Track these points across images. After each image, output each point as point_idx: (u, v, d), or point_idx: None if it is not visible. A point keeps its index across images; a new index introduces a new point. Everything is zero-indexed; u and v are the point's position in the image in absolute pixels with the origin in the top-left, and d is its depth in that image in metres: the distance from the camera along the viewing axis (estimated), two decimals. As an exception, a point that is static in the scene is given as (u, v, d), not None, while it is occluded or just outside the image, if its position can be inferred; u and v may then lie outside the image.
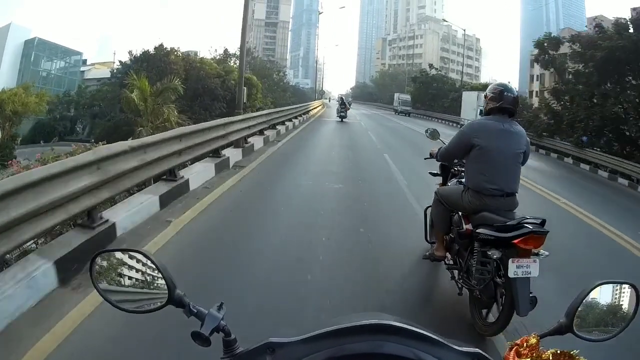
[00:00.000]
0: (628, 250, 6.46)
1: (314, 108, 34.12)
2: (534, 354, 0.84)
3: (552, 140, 23.60)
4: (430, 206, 4.14)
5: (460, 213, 3.60)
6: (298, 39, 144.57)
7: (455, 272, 3.63)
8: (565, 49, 24.62)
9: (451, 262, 3.74)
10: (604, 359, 1.75)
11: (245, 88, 11.54)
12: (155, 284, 0.98)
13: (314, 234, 5.13)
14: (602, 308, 1.02)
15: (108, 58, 66.00)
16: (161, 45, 32.63)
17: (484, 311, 3.27)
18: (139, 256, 1.00)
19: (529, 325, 2.93)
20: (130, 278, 1.01)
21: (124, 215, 4.90)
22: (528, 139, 3.45)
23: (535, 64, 49.35)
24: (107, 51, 78.39)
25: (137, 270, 1.00)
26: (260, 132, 12.80)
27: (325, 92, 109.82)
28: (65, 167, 3.94)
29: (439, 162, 4.34)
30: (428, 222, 4.36)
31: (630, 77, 19.41)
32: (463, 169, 3.83)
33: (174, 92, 21.17)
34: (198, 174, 7.19)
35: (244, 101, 11.65)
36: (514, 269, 2.82)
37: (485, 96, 3.52)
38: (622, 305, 1.04)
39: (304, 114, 25.89)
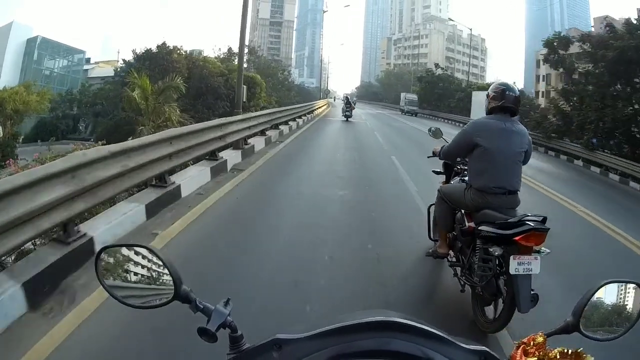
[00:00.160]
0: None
1: (319, 107, 33.81)
2: (541, 353, 0.83)
3: (561, 142, 23.16)
4: (433, 204, 4.20)
5: (463, 211, 3.63)
6: (303, 39, 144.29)
7: (458, 269, 3.65)
8: (574, 48, 24.15)
9: (454, 259, 3.80)
10: (609, 358, 1.67)
11: (245, 86, 10.99)
12: (161, 280, 0.97)
13: (316, 252, 4.56)
14: (607, 308, 1.01)
15: (113, 57, 66.06)
16: (164, 43, 32.23)
17: (486, 308, 3.30)
18: (145, 251, 0.99)
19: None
20: (135, 274, 1.00)
21: (104, 228, 4.42)
22: (530, 138, 3.48)
23: (541, 64, 49.85)
24: (112, 50, 78.44)
25: (143, 266, 0.99)
26: (262, 133, 12.31)
27: (331, 91, 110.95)
28: (32, 178, 3.48)
29: (442, 161, 4.38)
30: (431, 219, 4.41)
31: (642, 78, 19.07)
32: (466, 168, 3.89)
33: (175, 91, 21.26)
34: (192, 179, 6.68)
35: (244, 100, 11.12)
36: (515, 265, 2.83)
37: (488, 95, 3.53)
38: (627, 305, 1.03)
39: (308, 113, 25.45)
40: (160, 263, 0.97)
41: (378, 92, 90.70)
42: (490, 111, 3.47)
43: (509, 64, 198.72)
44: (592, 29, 24.53)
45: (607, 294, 1.01)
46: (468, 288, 3.44)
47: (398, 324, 0.82)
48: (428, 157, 4.53)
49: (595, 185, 14.58)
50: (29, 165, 11.78)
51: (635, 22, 18.76)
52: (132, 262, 1.00)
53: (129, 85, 20.90)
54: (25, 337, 2.81)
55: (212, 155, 7.87)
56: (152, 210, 5.34)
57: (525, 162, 3.45)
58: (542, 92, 47.86)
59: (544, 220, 2.91)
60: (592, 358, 0.83)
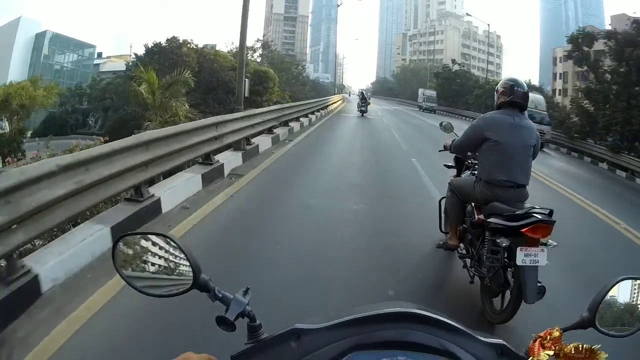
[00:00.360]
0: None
1: (333, 102, 32.76)
2: (557, 347, 0.83)
3: (585, 144, 22.55)
4: (444, 197, 4.30)
5: (473, 204, 3.68)
6: (318, 34, 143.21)
7: (468, 260, 3.73)
8: (599, 45, 23.58)
9: (464, 251, 3.87)
10: (623, 356, 1.53)
11: (247, 80, 9.79)
12: (179, 268, 0.96)
13: (324, 297, 3.41)
14: (620, 306, 0.97)
15: (126, 52, 65.63)
16: (173, 37, 31.50)
17: (494, 300, 3.33)
18: (163, 239, 0.97)
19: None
20: (153, 262, 0.97)
21: (55, 262, 3.45)
22: (538, 133, 3.58)
23: (558, 62, 49.58)
24: (125, 45, 78.09)
25: (161, 255, 0.97)
26: (269, 131, 11.19)
27: (346, 86, 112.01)
28: None
29: (453, 155, 4.45)
30: (442, 212, 4.49)
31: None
32: (476, 162, 3.91)
33: (184, 85, 20.63)
34: (176, 189, 5.56)
35: (246, 95, 9.92)
36: (522, 257, 2.89)
37: (497, 90, 3.59)
38: (639, 304, 0.98)
39: (321, 109, 24.26)
40: (179, 251, 0.94)
41: (394, 87, 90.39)
42: (499, 106, 3.54)
43: (523, 61, 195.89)
44: (609, 27, 24.82)
45: (621, 291, 0.97)
46: (477, 279, 3.50)
47: (416, 315, 0.82)
48: (439, 150, 4.59)
49: (621, 190, 13.50)
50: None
51: None
52: (150, 250, 0.97)
53: (136, 80, 20.21)
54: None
55: (206, 159, 6.75)
56: (120, 232, 4.21)
57: (534, 157, 3.52)
58: (559, 90, 48.41)
59: (551, 213, 2.97)
60: (606, 355, 0.82)
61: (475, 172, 3.80)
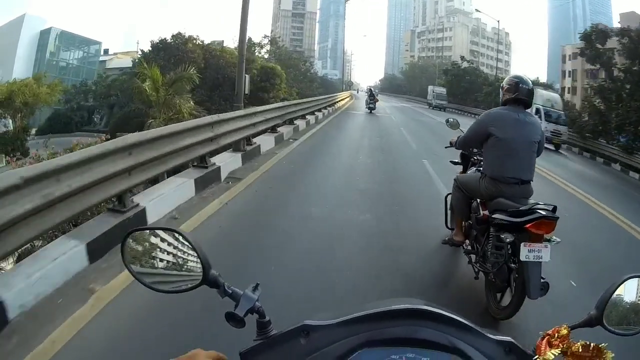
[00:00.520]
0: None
1: (341, 99, 32.14)
2: (565, 345, 0.84)
3: (597, 143, 22.17)
4: (450, 193, 4.31)
5: (478, 200, 3.69)
6: (326, 30, 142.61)
7: (473, 256, 3.72)
8: (611, 43, 23.40)
9: (469, 247, 3.84)
10: (630, 354, 1.57)
11: (247, 76, 9.19)
12: (189, 263, 0.95)
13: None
14: (626, 305, 0.96)
15: (133, 48, 65.43)
16: (179, 33, 31.12)
17: (499, 295, 3.34)
18: (173, 235, 0.96)
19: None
20: (162, 258, 0.97)
21: (22, 286, 2.97)
22: (542, 130, 3.61)
23: (567, 60, 49.34)
24: (132, 42, 77.91)
25: (169, 251, 0.97)
26: (273, 129, 10.60)
27: (354, 83, 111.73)
28: None
29: (460, 151, 4.55)
30: (448, 208, 4.53)
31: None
32: (482, 158, 3.85)
33: (189, 82, 20.30)
34: (165, 197, 5.02)
35: (246, 92, 9.27)
36: (526, 252, 2.90)
37: (502, 87, 3.63)
38: None
39: (329, 106, 23.67)
40: (187, 247, 0.94)
41: (402, 84, 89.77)
42: (504, 103, 3.55)
43: (532, 59, 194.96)
44: (619, 25, 24.38)
45: (627, 290, 0.96)
46: (482, 275, 3.51)
47: (426, 312, 0.82)
48: (445, 147, 4.65)
49: (636, 193, 12.88)
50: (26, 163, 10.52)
51: None
52: (159, 245, 0.97)
53: (139, 76, 19.94)
54: None
55: (201, 162, 6.22)
56: (97, 249, 3.74)
57: (538, 153, 3.53)
58: (569, 87, 48.30)
59: (555, 209, 2.94)
60: (613, 354, 0.82)
61: (481, 168, 3.79)
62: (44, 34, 65.02)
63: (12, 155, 19.45)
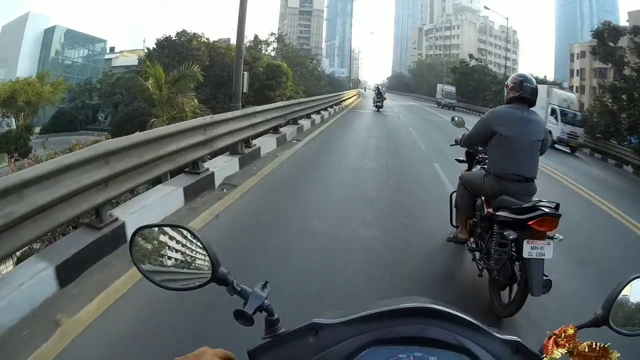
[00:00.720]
0: None
1: (348, 98, 31.51)
2: (571, 345, 0.84)
3: (609, 145, 21.61)
4: (455, 191, 4.31)
5: (482, 197, 3.71)
6: (333, 28, 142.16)
7: (477, 254, 3.74)
8: (622, 42, 23.28)
9: (473, 245, 3.90)
10: (635, 354, 1.51)
11: (246, 74, 8.58)
12: (197, 261, 0.95)
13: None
14: (631, 306, 0.95)
15: (140, 46, 65.06)
16: (183, 30, 30.78)
17: (502, 293, 3.33)
18: (181, 232, 0.96)
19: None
20: (171, 256, 0.97)
21: None
22: (546, 128, 3.70)
23: (575, 58, 48.98)
24: (139, 39, 77.62)
25: (177, 249, 0.96)
26: (275, 130, 10.08)
27: (362, 81, 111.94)
28: None
29: (465, 149, 4.57)
30: (453, 206, 4.50)
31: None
32: (487, 156, 3.90)
33: (192, 80, 20.01)
34: (148, 209, 4.51)
35: (244, 91, 8.61)
36: (529, 249, 2.91)
37: (506, 85, 3.65)
38: None
39: (335, 104, 23.09)
40: (195, 245, 0.94)
41: (410, 83, 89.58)
42: (508, 101, 3.57)
43: (538, 57, 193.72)
44: (627, 23, 24.69)
45: (634, 291, 0.95)
46: (486, 273, 3.49)
47: (434, 310, 0.82)
48: (451, 145, 4.68)
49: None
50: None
51: None
52: (168, 243, 0.97)
53: (141, 74, 19.98)
54: None
55: (193, 167, 5.72)
56: (68, 272, 3.29)
57: (542, 151, 3.55)
58: (577, 87, 47.79)
59: (557, 206, 2.97)
60: (618, 354, 0.81)
61: (485, 166, 3.85)
62: (48, 32, 64.64)
63: (10, 156, 19.09)
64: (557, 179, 9.86)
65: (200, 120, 5.85)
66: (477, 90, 48.09)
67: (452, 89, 49.18)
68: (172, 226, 0.96)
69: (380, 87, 32.62)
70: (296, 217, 5.17)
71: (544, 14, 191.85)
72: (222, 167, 6.43)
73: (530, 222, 2.93)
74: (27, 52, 61.02)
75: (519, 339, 0.83)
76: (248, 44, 43.36)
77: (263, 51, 42.01)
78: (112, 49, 68.97)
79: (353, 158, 9.54)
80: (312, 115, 15.27)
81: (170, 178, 5.68)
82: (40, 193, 3.07)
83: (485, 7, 57.51)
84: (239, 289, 0.91)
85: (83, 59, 67.84)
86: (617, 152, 20.49)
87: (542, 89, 24.15)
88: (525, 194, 3.36)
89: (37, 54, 62.98)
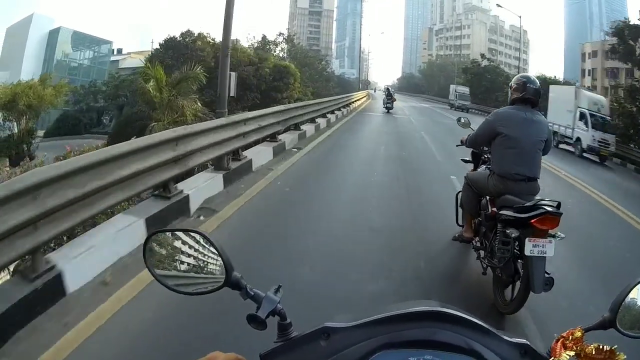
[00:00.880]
0: None
1: (357, 100, 30.46)
2: (578, 347, 0.84)
3: (628, 148, 20.22)
4: (460, 191, 4.43)
5: (487, 197, 3.78)
6: (343, 29, 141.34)
7: (481, 252, 3.75)
8: None
9: (478, 244, 3.92)
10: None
11: (234, 74, 7.28)
12: (210, 265, 0.96)
13: None
14: (638, 309, 0.95)
15: (148, 48, 64.39)
16: (188, 30, 30.06)
17: (505, 291, 3.38)
18: (194, 237, 0.97)
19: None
20: (184, 260, 0.98)
21: None
22: (549, 128, 3.72)
23: (587, 58, 47.99)
24: (148, 41, 77.14)
25: (190, 254, 0.97)
26: (272, 137, 9.07)
27: (371, 82, 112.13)
28: None
29: (470, 149, 4.59)
30: (459, 205, 4.55)
31: None
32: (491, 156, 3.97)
33: (195, 82, 19.13)
34: (95, 251, 3.51)
35: (232, 95, 7.25)
36: (531, 247, 2.95)
37: (510, 87, 3.68)
38: None
39: (343, 107, 22.02)
40: (208, 250, 0.95)
41: (420, 84, 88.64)
42: (512, 102, 3.61)
43: (548, 57, 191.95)
44: (639, 22, 23.13)
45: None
46: (490, 271, 3.55)
47: (444, 314, 0.82)
48: (457, 145, 4.71)
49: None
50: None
51: None
52: (181, 247, 0.97)
53: (143, 76, 19.25)
54: None
55: (163, 190, 4.73)
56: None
57: (545, 152, 3.60)
58: (588, 87, 46.38)
59: (559, 205, 3.04)
60: (625, 357, 0.82)
61: (490, 166, 3.86)
62: (53, 33, 63.73)
63: (12, 160, 18.49)
64: (597, 200, 8.71)
65: (168, 134, 4.79)
66: (490, 91, 47.05)
67: (466, 89, 47.58)
68: (185, 231, 0.97)
69: (390, 88, 32.15)
70: (280, 261, 3.99)
71: (553, 13, 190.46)
72: (201, 187, 5.40)
73: (532, 221, 2.98)
74: (31, 54, 60.19)
75: (528, 342, 0.82)
76: (256, 43, 42.65)
77: (273, 52, 41.40)
78: (119, 51, 67.96)
79: (359, 171, 8.47)
80: (317, 120, 14.30)
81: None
82: None
83: (498, 5, 56.33)
84: (252, 293, 0.92)
85: (88, 61, 67.00)
86: (636, 156, 19.10)
87: (569, 91, 22.28)
88: (529, 193, 3.39)
89: (41, 55, 62.19)
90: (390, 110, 27.14)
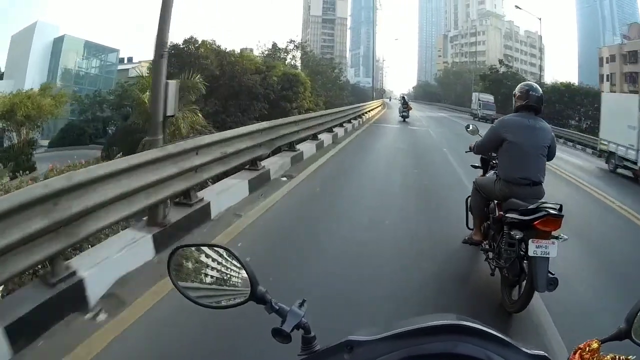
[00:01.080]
0: None
1: (371, 109, 28.26)
2: (595, 358, 0.86)
3: None
4: (470, 196, 4.57)
5: (495, 201, 3.93)
6: (358, 37, 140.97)
7: (490, 254, 3.86)
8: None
9: (487, 246, 4.02)
10: None
11: (171, 83, 4.18)
12: (233, 279, 0.97)
13: None
14: None
15: (160, 56, 63.02)
16: (191, 37, 28.74)
17: (512, 291, 3.47)
18: (219, 251, 0.99)
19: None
20: (208, 273, 0.98)
21: None
22: (553, 134, 3.79)
23: (604, 62, 45.84)
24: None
25: (214, 267, 0.98)
26: (252, 164, 7.01)
27: (387, 91, 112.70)
28: None
29: (479, 156, 4.76)
30: (468, 210, 4.74)
31: None
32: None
33: (192, 91, 17.29)
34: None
35: (171, 115, 4.30)
36: (534, 248, 3.07)
37: (514, 95, 3.84)
38: None
39: (354, 118, 19.91)
40: (232, 264, 0.96)
41: (436, 92, 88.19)
42: (516, 109, 3.78)
43: (561, 61, 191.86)
44: None
45: None
46: (498, 272, 3.65)
47: (465, 327, 0.83)
48: (466, 151, 4.85)
49: None
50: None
51: None
52: (205, 262, 0.98)
53: (137, 86, 19.21)
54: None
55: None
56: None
57: (550, 157, 3.75)
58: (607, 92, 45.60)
59: (561, 208, 3.12)
60: None
61: (497, 171, 3.99)
62: (58, 41, 62.76)
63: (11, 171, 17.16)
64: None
65: (38, 188, 2.70)
66: (509, 98, 44.17)
67: (490, 98, 43.75)
68: (210, 245, 0.99)
69: (405, 96, 31.83)
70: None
71: (563, 17, 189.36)
72: (107, 264, 3.32)
73: (535, 222, 3.11)
74: (35, 63, 59.17)
75: (546, 354, 0.83)
76: (267, 52, 41.16)
77: (284, 60, 40.10)
78: (130, 59, 67.02)
79: (366, 214, 6.16)
80: (318, 136, 11.89)
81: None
82: None
83: (516, 7, 54.13)
84: (277, 307, 0.93)
85: (95, 69, 66.37)
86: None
87: (630, 101, 16.93)
88: (533, 197, 3.50)
89: (46, 64, 61.29)
90: (406, 119, 26.50)
